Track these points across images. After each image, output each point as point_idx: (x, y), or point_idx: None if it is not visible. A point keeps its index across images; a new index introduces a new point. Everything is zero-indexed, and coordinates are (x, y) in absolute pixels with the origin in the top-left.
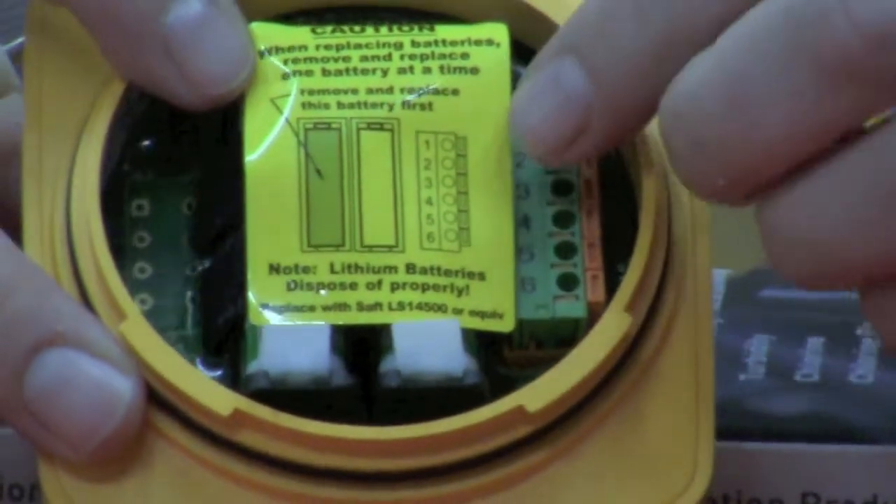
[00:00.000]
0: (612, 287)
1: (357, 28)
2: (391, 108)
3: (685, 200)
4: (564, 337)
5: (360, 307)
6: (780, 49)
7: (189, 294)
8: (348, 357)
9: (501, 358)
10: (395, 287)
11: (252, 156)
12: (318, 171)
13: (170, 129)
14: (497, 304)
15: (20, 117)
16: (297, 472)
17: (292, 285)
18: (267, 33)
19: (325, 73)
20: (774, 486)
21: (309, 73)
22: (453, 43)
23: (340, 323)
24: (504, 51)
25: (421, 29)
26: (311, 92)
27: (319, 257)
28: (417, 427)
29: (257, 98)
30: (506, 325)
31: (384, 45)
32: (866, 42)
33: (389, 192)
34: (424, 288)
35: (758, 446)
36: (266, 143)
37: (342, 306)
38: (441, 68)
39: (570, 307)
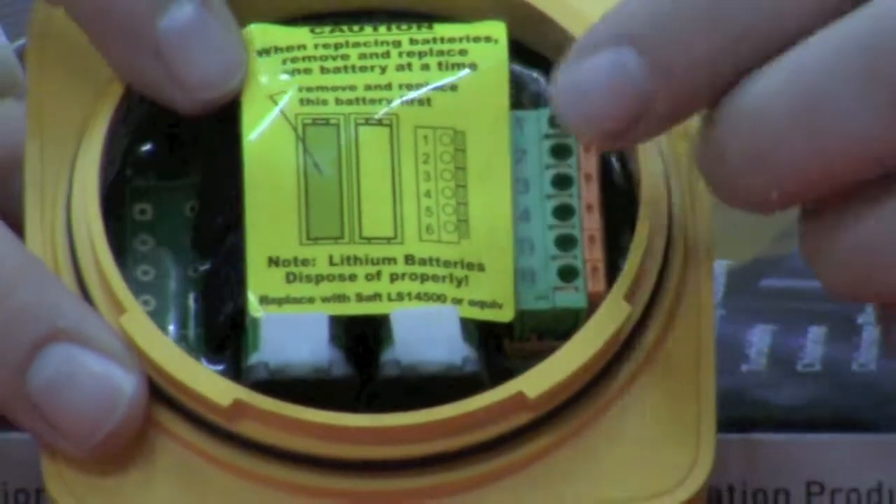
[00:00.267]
0: (613, 280)
1: (356, 28)
2: (389, 103)
3: (686, 193)
4: (566, 329)
5: (360, 298)
6: (857, 74)
7: (192, 295)
8: (349, 348)
9: (503, 351)
10: (394, 278)
11: (250, 151)
12: (317, 166)
13: (171, 132)
14: (496, 294)
15: (20, 124)
16: (297, 462)
17: (291, 277)
18: (266, 34)
19: (324, 70)
20: (779, 477)
21: (307, 71)
22: (451, 40)
23: (339, 314)
24: (502, 47)
25: (419, 27)
26: (309, 89)
27: (318, 250)
28: (417, 414)
29: (255, 95)
30: (505, 315)
31: (383, 43)
32: None
33: (388, 185)
34: (423, 278)
35: (761, 437)
36: (264, 138)
37: (341, 297)
38: (439, 65)
39: (571, 298)
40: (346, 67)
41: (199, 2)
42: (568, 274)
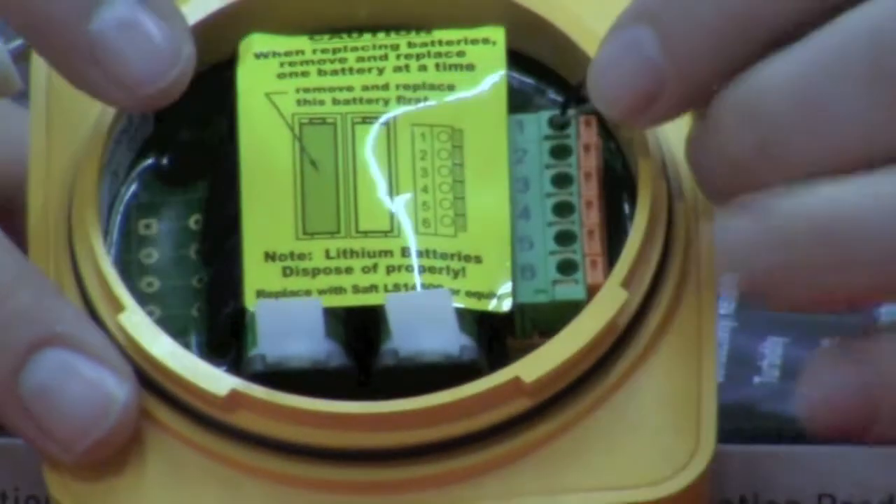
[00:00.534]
0: None
1: (355, 34)
2: (386, 103)
3: (687, 189)
4: (567, 323)
5: (356, 290)
6: (864, 68)
7: (195, 305)
8: (349, 341)
9: (506, 348)
10: (390, 270)
11: (246, 149)
12: (314, 163)
13: (175, 147)
14: (494, 286)
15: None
16: (293, 453)
17: (288, 272)
18: (265, 40)
19: (322, 73)
20: (790, 488)
21: (305, 73)
22: (449, 42)
23: (336, 305)
24: (500, 48)
25: (418, 33)
26: (306, 90)
27: (315, 244)
28: (412, 400)
29: (252, 94)
30: (502, 306)
31: (381, 46)
32: None
33: (384, 181)
34: (420, 270)
35: (773, 448)
36: (261, 137)
37: (338, 290)
38: (437, 66)
39: (570, 290)
40: (343, 70)
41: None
42: (567, 267)
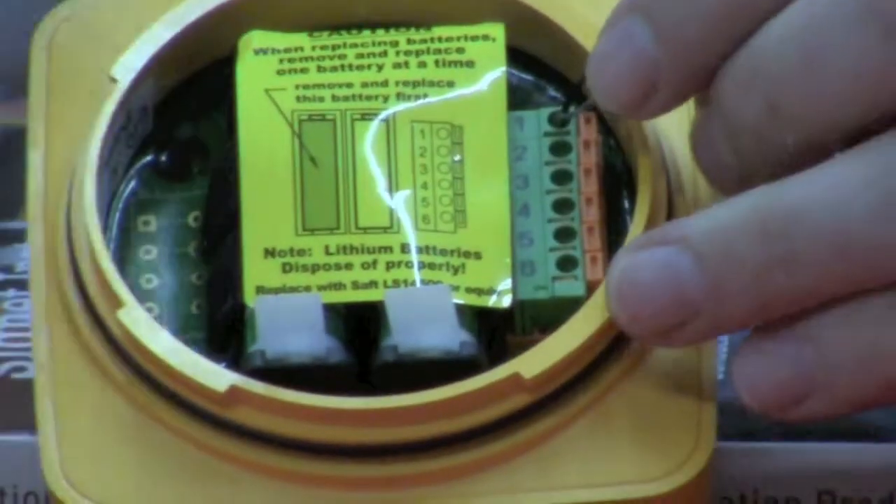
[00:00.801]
0: None
1: (354, 31)
2: (386, 99)
3: (688, 184)
4: (567, 320)
5: (356, 286)
6: (854, 11)
7: (195, 303)
8: (348, 337)
9: (506, 345)
10: (390, 266)
11: (245, 146)
12: (313, 160)
13: (175, 144)
14: (494, 282)
15: None
16: (293, 449)
17: (287, 268)
18: (264, 37)
19: (321, 69)
20: (790, 485)
21: (304, 70)
22: (449, 39)
23: (336, 301)
24: (499, 45)
25: (417, 29)
26: (306, 86)
27: (314, 240)
28: (412, 396)
29: (252, 91)
30: (502, 302)
31: (380, 43)
32: None
33: (384, 177)
34: (420, 266)
35: (773, 446)
36: (260, 134)
37: (337, 286)
38: (436, 62)
39: (569, 286)
40: (342, 66)
41: None
42: (567, 264)
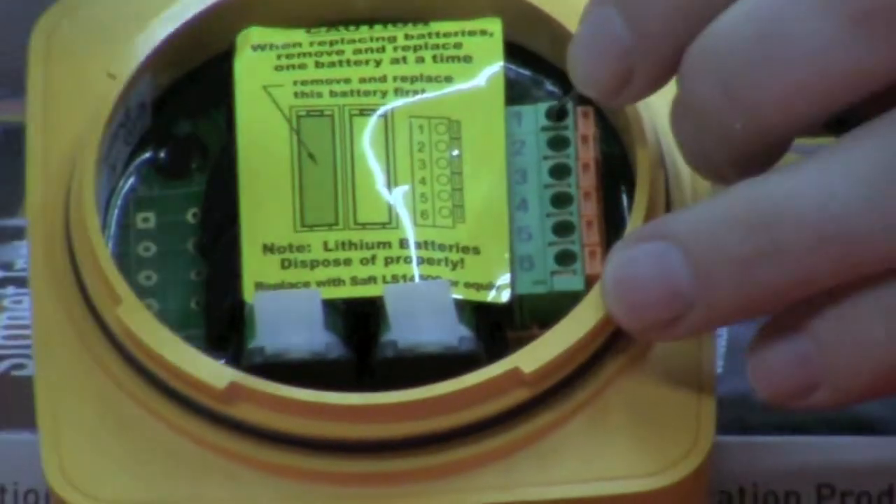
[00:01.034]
0: None
1: (351, 27)
2: (384, 95)
3: (686, 178)
4: (566, 315)
5: (355, 282)
6: None
7: (194, 298)
8: (347, 333)
9: (504, 339)
10: (388, 261)
11: (244, 142)
12: (311, 156)
13: (173, 141)
14: (492, 277)
15: None
16: (293, 445)
17: (286, 264)
18: (262, 33)
19: (319, 65)
20: (789, 479)
21: (302, 66)
22: (447, 34)
23: (335, 297)
24: (497, 40)
25: (415, 25)
26: (303, 82)
27: (313, 236)
28: (411, 392)
29: (250, 87)
30: (501, 296)
31: (378, 39)
32: None
33: (383, 173)
34: (419, 262)
35: (772, 440)
36: (258, 130)
37: (336, 281)
38: (434, 57)
39: (568, 281)
40: (340, 62)
41: None
42: (565, 258)
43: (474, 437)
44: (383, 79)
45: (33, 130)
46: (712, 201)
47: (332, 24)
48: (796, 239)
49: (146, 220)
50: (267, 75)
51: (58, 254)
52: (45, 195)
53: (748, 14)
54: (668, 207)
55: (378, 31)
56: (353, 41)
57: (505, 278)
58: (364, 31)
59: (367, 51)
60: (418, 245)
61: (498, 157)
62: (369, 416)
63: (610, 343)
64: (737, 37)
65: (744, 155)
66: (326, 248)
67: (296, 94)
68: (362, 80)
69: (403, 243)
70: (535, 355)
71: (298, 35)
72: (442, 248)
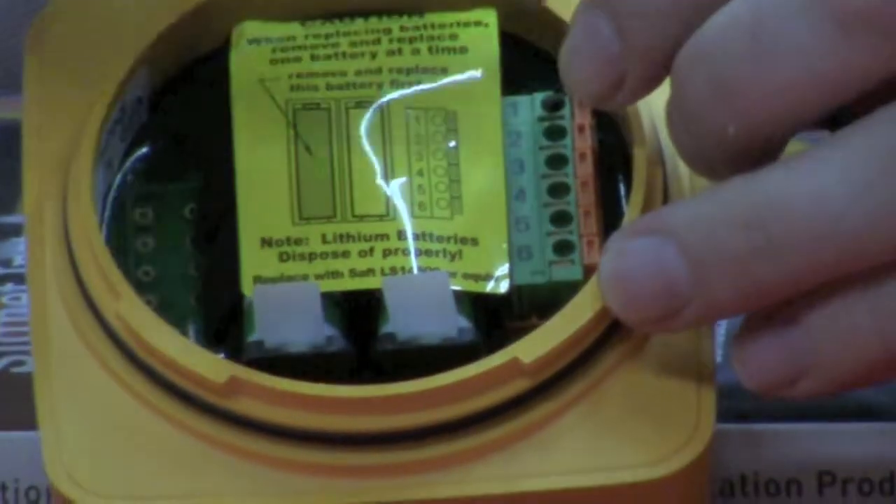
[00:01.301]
0: None
1: (347, 20)
2: (380, 87)
3: (684, 170)
4: (565, 304)
5: (353, 274)
6: None
7: (193, 293)
8: (346, 325)
9: (503, 329)
10: (387, 253)
11: (240, 136)
12: (308, 149)
13: (170, 137)
14: (491, 267)
15: None
16: (293, 438)
17: (284, 257)
18: (257, 27)
19: (314, 58)
20: (791, 467)
21: (297, 59)
22: (442, 26)
23: (333, 289)
24: (492, 31)
25: (410, 16)
26: (299, 75)
27: (311, 229)
28: (411, 383)
29: (246, 81)
30: (500, 287)
31: (373, 31)
32: None
33: (380, 165)
34: (417, 253)
35: (773, 427)
36: (255, 124)
37: (335, 274)
38: (430, 49)
39: (567, 271)
40: (336, 55)
41: None
42: (563, 248)
43: (474, 427)
44: (379, 71)
45: (30, 127)
46: (708, 196)
47: (327, 16)
48: (790, 237)
49: (144, 215)
50: (263, 69)
51: (56, 250)
52: (43, 192)
53: (737, 17)
54: (666, 200)
55: (373, 23)
56: (349, 34)
57: (503, 269)
58: (359, 23)
59: (362, 43)
60: (416, 236)
61: (495, 147)
62: (369, 409)
63: (609, 333)
64: (726, 39)
65: (739, 155)
66: (324, 241)
67: (292, 88)
68: (358, 73)
69: (401, 235)
70: (535, 345)
71: (294, 28)
72: (440, 239)
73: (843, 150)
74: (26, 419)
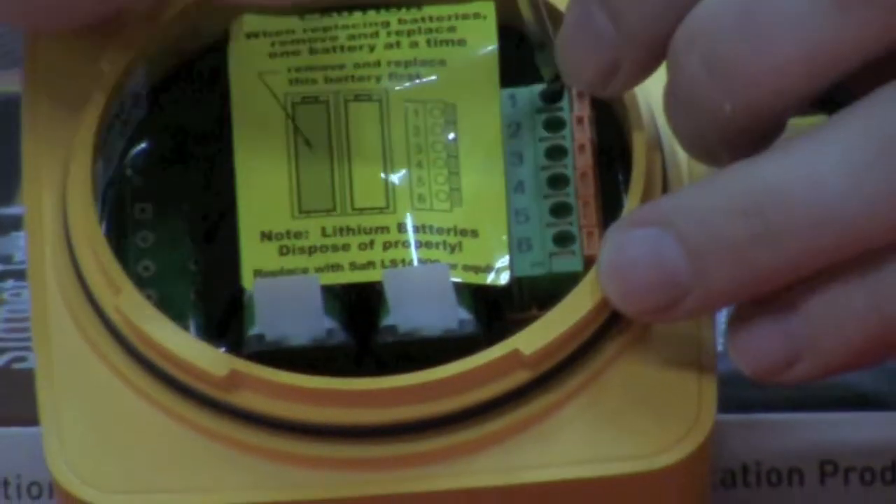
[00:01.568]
0: None
1: (345, 13)
2: (378, 80)
3: (683, 159)
4: (565, 295)
5: (353, 267)
6: None
7: (193, 287)
8: (346, 318)
9: (503, 321)
10: (387, 246)
11: (240, 130)
12: (307, 142)
13: (169, 131)
14: (491, 259)
15: None
16: (294, 431)
17: (284, 250)
18: (256, 21)
19: (313, 51)
20: (792, 457)
21: (296, 52)
22: (440, 18)
23: (334, 282)
24: (490, 23)
25: (408, 9)
26: (298, 69)
27: (311, 222)
28: (412, 375)
29: (244, 75)
30: (500, 279)
31: (371, 24)
32: None
33: (379, 158)
34: (417, 245)
35: (774, 417)
36: (254, 117)
37: (335, 267)
38: (428, 41)
39: (567, 262)
40: (334, 48)
41: None
42: (563, 239)
43: (475, 419)
44: (377, 64)
45: (29, 124)
46: (705, 185)
47: (326, 10)
48: (789, 224)
49: (143, 210)
50: (261, 63)
51: (56, 246)
52: (42, 188)
53: None
54: (665, 189)
55: (371, 16)
56: (347, 27)
57: (503, 260)
58: (357, 16)
59: (360, 36)
60: (416, 229)
61: (494, 139)
62: (370, 401)
63: (609, 324)
64: (719, 17)
65: (738, 137)
66: (324, 234)
67: (290, 81)
68: (357, 66)
69: (401, 227)
70: (535, 337)
71: (292, 22)
72: (440, 231)
73: (840, 134)
74: (28, 415)
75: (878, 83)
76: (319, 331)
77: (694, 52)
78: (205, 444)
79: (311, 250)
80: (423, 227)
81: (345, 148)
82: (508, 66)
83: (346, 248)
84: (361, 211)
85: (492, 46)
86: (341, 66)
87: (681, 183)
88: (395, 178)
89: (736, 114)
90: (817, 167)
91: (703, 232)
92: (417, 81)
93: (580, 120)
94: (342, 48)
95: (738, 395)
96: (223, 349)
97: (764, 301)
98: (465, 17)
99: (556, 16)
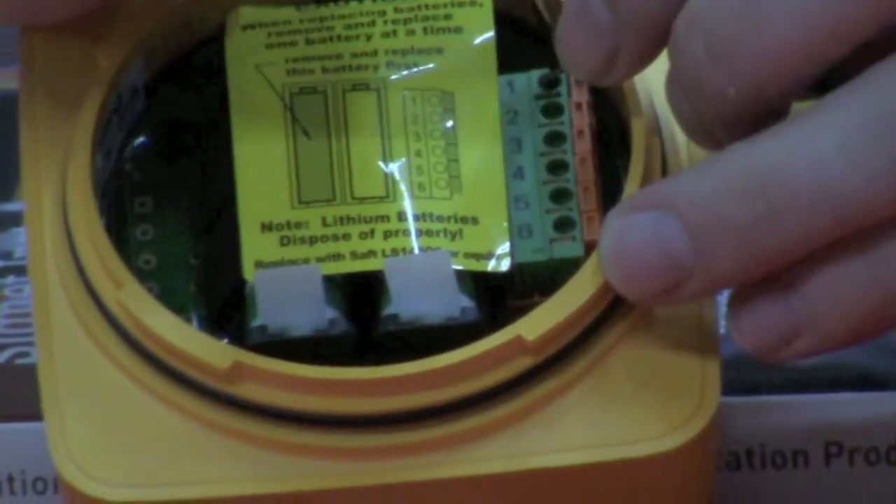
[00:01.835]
0: None
1: (341, 2)
2: (376, 69)
3: (682, 144)
4: (566, 281)
5: (355, 256)
6: None
7: (194, 280)
8: (348, 307)
9: (505, 308)
10: (387, 235)
11: (238, 121)
12: (306, 132)
13: (167, 124)
14: (492, 246)
15: None
16: (297, 422)
17: (285, 241)
18: (252, 13)
19: (309, 42)
20: (797, 438)
21: (293, 43)
22: (436, 6)
23: (335, 272)
24: (487, 10)
25: None
26: (295, 60)
27: (311, 212)
28: (415, 364)
29: (242, 66)
30: (501, 265)
31: (367, 13)
32: None
33: (378, 147)
34: (418, 234)
35: (778, 399)
36: (252, 109)
37: (336, 256)
38: (425, 29)
39: (568, 248)
40: (331, 38)
41: None
42: (564, 225)
43: (479, 406)
44: (374, 53)
45: (28, 120)
46: (706, 168)
47: (322, 0)
48: (790, 205)
49: (143, 204)
50: (258, 54)
51: (56, 241)
52: (42, 183)
53: None
54: (664, 173)
55: (368, 5)
56: (344, 16)
57: (504, 247)
58: (354, 6)
59: (357, 25)
60: (416, 217)
61: (492, 126)
62: (374, 390)
63: (612, 308)
64: (720, 1)
65: (741, 121)
66: (325, 224)
67: (288, 72)
68: (354, 55)
69: (402, 216)
70: (538, 323)
71: (288, 13)
72: (440, 219)
73: (839, 114)
74: (32, 410)
75: (868, 63)
76: (321, 321)
77: (696, 37)
78: (208, 437)
79: (312, 240)
80: (424, 215)
81: (343, 137)
82: (506, 53)
83: (346, 237)
84: (361, 200)
85: (489, 33)
86: (338, 56)
87: (680, 168)
88: (394, 166)
89: (739, 97)
90: (817, 147)
91: (705, 214)
92: (415, 70)
93: (579, 105)
94: (339, 38)
95: (742, 378)
96: (225, 341)
97: (765, 278)
98: (461, 4)
99: (557, 7)
